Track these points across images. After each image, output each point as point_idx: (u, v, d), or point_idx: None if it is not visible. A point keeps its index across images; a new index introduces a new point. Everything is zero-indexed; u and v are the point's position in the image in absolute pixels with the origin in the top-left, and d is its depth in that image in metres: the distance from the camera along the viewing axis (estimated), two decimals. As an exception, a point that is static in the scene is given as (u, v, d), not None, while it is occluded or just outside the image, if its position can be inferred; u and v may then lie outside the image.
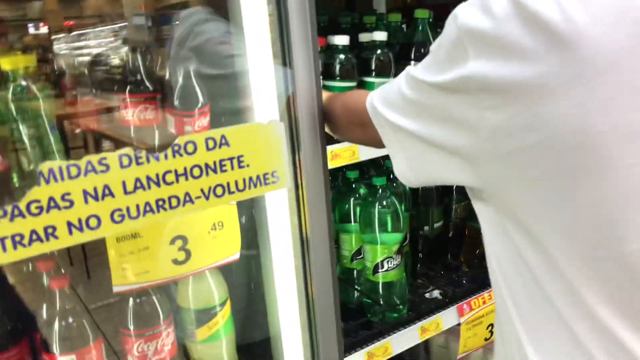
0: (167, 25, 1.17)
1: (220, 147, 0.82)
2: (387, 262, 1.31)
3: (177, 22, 1.10)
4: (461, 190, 1.47)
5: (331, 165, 1.13)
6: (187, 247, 0.97)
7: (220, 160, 0.83)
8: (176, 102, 0.96)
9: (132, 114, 0.96)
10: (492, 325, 1.42)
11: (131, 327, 1.00)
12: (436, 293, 1.44)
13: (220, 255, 1.01)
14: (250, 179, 0.86)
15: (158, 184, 0.79)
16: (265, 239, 1.03)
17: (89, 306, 1.21)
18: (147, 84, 0.96)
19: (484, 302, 1.40)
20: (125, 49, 1.02)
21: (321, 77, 1.18)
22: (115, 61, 1.16)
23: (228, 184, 0.84)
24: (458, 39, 0.58)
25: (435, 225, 1.48)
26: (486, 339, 1.42)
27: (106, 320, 1.19)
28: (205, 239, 0.98)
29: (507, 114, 0.54)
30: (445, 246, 1.56)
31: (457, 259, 1.57)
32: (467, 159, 0.63)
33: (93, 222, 0.75)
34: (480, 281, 1.48)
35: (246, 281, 1.27)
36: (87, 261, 1.77)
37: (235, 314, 1.14)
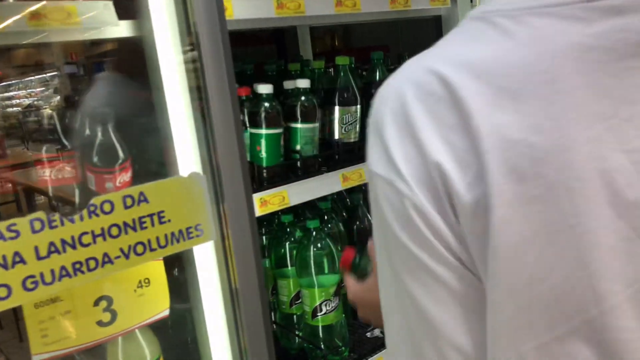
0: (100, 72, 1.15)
1: (139, 204, 0.81)
2: (326, 304, 1.30)
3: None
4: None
5: (261, 212, 1.13)
6: (113, 307, 0.94)
7: (140, 218, 0.81)
8: (95, 159, 0.94)
9: (49, 173, 0.94)
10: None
11: (56, 397, 0.95)
12: (377, 332, 1.44)
13: (148, 313, 0.98)
14: (173, 234, 0.84)
15: (74, 247, 0.76)
16: (196, 292, 1.01)
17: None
18: (64, 140, 0.94)
19: (424, 337, 1.41)
20: (54, 100, 1.00)
21: (248, 125, 1.20)
22: (40, 114, 1.13)
23: (149, 241, 0.83)
24: None
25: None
26: None
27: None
28: (132, 298, 0.95)
29: None
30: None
31: (396, 295, 1.58)
32: None
33: (3, 291, 0.71)
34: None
35: (183, 336, 1.23)
36: (19, 323, 1.67)
37: (171, 371, 1.10)
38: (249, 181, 0.95)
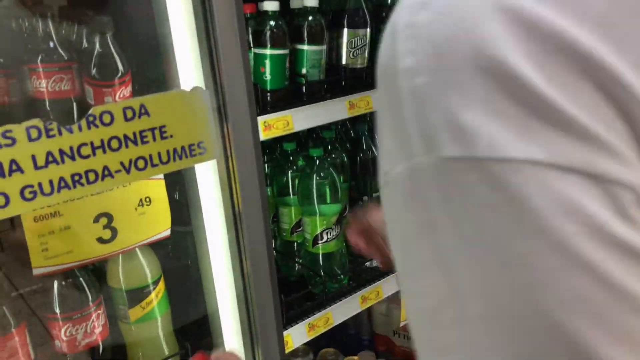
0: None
1: (139, 117, 0.78)
2: (327, 233, 1.30)
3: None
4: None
5: (264, 136, 1.10)
6: (113, 225, 0.92)
7: (141, 131, 0.78)
8: (94, 71, 0.90)
9: (45, 85, 0.90)
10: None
11: (57, 311, 0.95)
12: (376, 262, 1.45)
13: (149, 232, 0.97)
14: (175, 150, 0.82)
15: (73, 158, 0.74)
16: (198, 213, 1.00)
17: (24, 289, 1.14)
18: (61, 51, 0.89)
19: (423, 269, 1.42)
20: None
21: (252, 44, 1.14)
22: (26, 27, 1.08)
23: (150, 156, 0.80)
24: None
25: (374, 195, 1.48)
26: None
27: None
28: (132, 216, 0.94)
29: None
30: (385, 216, 1.56)
31: (397, 228, 1.58)
32: None
33: (0, 200, 0.69)
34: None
35: (183, 258, 1.23)
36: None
37: (172, 291, 1.10)
38: (254, 101, 0.91)
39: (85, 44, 0.94)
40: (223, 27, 0.83)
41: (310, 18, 1.17)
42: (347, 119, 1.47)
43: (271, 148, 1.42)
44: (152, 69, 0.97)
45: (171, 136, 0.81)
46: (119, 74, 0.92)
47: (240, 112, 0.88)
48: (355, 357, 1.69)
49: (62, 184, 0.73)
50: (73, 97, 0.93)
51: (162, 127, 0.80)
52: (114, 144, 0.76)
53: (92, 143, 0.75)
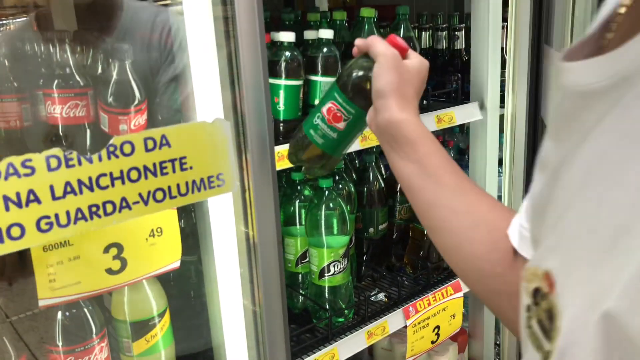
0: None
1: (160, 147, 0.76)
2: (334, 265, 1.28)
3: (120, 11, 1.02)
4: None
5: (278, 167, 1.09)
6: (123, 255, 0.90)
7: (161, 162, 0.77)
8: (110, 99, 0.88)
9: (60, 110, 0.88)
10: (438, 327, 1.42)
11: (59, 343, 0.92)
12: (381, 296, 1.42)
13: (158, 263, 0.94)
14: (194, 182, 0.80)
15: (91, 189, 0.72)
16: (208, 244, 0.98)
17: (12, 317, 1.10)
18: (77, 76, 0.88)
19: (429, 304, 1.40)
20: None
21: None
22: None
23: (169, 187, 0.78)
24: None
25: (380, 226, 1.47)
26: (433, 342, 1.42)
27: (30, 330, 1.09)
28: (143, 247, 0.91)
29: None
30: (390, 248, 1.55)
31: (401, 260, 1.57)
32: None
33: (15, 231, 0.67)
34: (424, 282, 1.48)
35: (186, 288, 1.20)
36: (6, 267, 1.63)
37: (175, 324, 1.07)
38: (273, 132, 0.90)
39: (101, 70, 0.93)
40: (246, 57, 0.82)
41: (325, 50, 1.17)
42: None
43: (279, 177, 1.40)
44: (168, 98, 0.96)
45: (191, 167, 0.79)
46: (136, 102, 0.90)
47: (260, 143, 0.87)
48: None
49: (79, 215, 0.71)
50: (87, 123, 0.91)
51: (182, 159, 0.78)
52: (134, 174, 0.74)
53: (111, 174, 0.73)
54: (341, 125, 0.80)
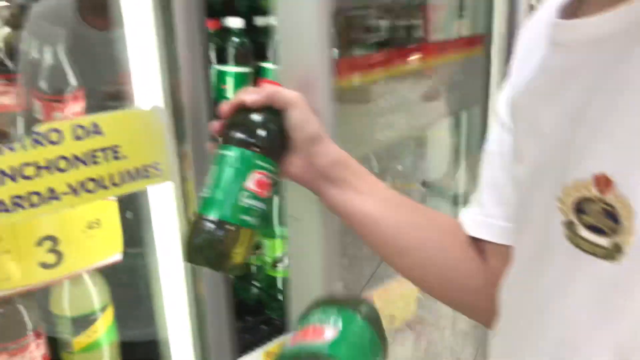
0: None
1: (91, 136, 0.73)
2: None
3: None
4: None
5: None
6: (58, 248, 0.86)
7: (92, 151, 0.73)
8: (42, 85, 0.84)
9: (-12, 97, 0.84)
10: (393, 316, 1.42)
11: (-9, 341, 0.88)
12: (339, 285, 1.42)
13: (98, 256, 0.91)
14: (129, 171, 0.77)
15: (14, 179, 0.68)
16: (150, 236, 0.95)
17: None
18: (7, 62, 0.84)
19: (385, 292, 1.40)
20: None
21: (215, 62, 1.11)
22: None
23: (102, 177, 0.75)
24: None
25: (336, 217, 1.46)
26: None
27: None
28: (80, 239, 0.88)
29: None
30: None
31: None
32: None
33: None
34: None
35: (133, 281, 1.17)
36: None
37: (121, 318, 1.04)
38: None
39: (34, 55, 0.88)
40: (184, 41, 0.79)
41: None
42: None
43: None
44: (107, 85, 0.92)
45: (125, 157, 0.76)
46: (70, 88, 0.86)
47: (200, 132, 0.84)
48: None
49: (1, 207, 0.67)
50: (20, 111, 0.87)
51: (116, 147, 0.75)
52: (62, 164, 0.71)
53: (36, 163, 0.69)
54: (270, 193, 0.69)
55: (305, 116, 0.71)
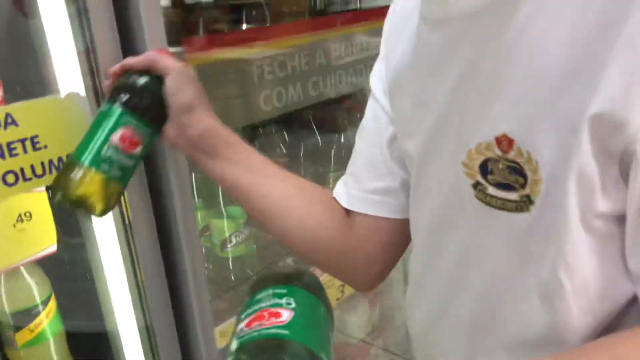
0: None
1: (5, 127, 0.70)
2: (235, 236, 1.26)
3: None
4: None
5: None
6: (-12, 244, 0.84)
7: (8, 143, 0.71)
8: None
9: None
10: (343, 285, 1.44)
11: None
12: (290, 260, 1.43)
13: (32, 249, 0.89)
14: (51, 162, 0.75)
15: None
16: (88, 224, 0.93)
17: None
18: None
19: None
20: None
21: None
22: None
23: (22, 169, 0.73)
24: None
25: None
26: (337, 299, 1.45)
27: None
28: (11, 233, 0.86)
29: None
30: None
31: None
32: None
33: None
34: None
35: (78, 272, 1.15)
36: None
37: (67, 309, 1.02)
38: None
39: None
40: (99, 23, 0.77)
41: (206, 14, 1.12)
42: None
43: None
44: (27, 72, 0.89)
45: (45, 147, 0.74)
46: (-14, 78, 0.83)
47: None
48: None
49: None
50: None
51: (34, 138, 0.73)
52: (-24, 158, 0.69)
53: (-52, 158, 0.67)
54: (137, 150, 0.72)
55: (180, 84, 0.71)
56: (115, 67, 0.75)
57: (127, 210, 0.85)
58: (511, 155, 0.48)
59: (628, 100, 0.41)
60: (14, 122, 0.71)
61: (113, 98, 0.71)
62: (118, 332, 0.99)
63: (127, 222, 0.87)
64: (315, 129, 1.57)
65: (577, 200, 0.45)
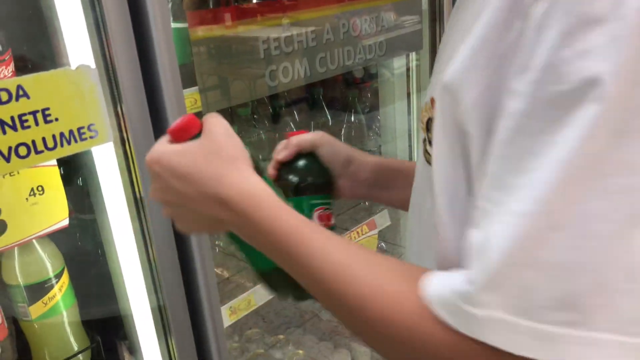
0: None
1: (17, 99, 0.71)
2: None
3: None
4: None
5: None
6: (1, 217, 0.85)
7: (20, 115, 0.71)
8: (-34, 49, 0.81)
9: None
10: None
11: (-56, 314, 0.87)
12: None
13: (44, 223, 0.90)
14: (62, 134, 0.75)
15: (-63, 147, 0.66)
16: (100, 200, 0.94)
17: None
18: None
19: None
20: None
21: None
22: None
23: (34, 142, 0.73)
24: None
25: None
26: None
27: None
28: (24, 207, 0.86)
29: None
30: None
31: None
32: None
33: None
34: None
35: (90, 247, 1.16)
36: None
37: (79, 283, 1.04)
38: (142, 80, 0.85)
39: (-44, 18, 0.84)
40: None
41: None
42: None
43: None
44: (39, 46, 0.89)
45: (56, 119, 0.74)
46: (-3, 52, 0.83)
47: (136, 89, 0.82)
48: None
49: None
50: (-55, 78, 0.83)
51: (45, 110, 0.73)
52: (-11, 130, 0.69)
53: (-40, 130, 0.67)
54: (332, 221, 0.78)
55: (332, 147, 0.78)
56: (272, 167, 0.77)
57: (138, 185, 0.86)
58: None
59: (462, 76, 0.42)
60: (25, 94, 0.71)
61: (290, 192, 0.75)
62: (130, 309, 1.00)
63: (138, 197, 0.87)
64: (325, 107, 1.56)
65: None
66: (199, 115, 0.66)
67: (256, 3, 1.14)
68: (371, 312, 0.45)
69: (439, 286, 0.43)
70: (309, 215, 0.74)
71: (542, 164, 0.36)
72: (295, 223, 0.51)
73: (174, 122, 0.56)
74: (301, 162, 0.76)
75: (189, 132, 0.56)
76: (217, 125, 0.56)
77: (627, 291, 0.36)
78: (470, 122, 0.42)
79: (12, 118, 0.70)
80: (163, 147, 0.57)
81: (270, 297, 1.27)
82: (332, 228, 0.77)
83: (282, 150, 0.76)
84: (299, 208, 0.72)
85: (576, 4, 0.35)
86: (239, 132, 1.22)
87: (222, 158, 0.53)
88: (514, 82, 0.39)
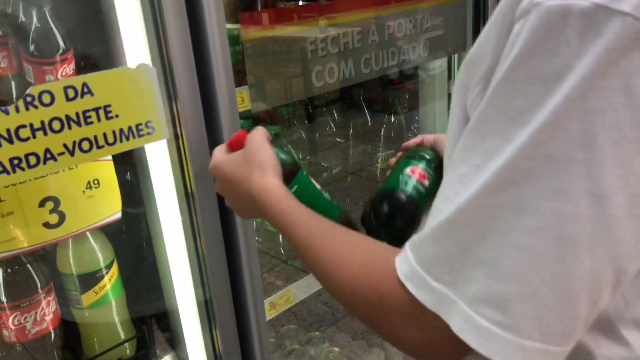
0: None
1: (82, 96, 0.74)
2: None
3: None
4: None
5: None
6: (60, 209, 0.89)
7: (84, 112, 0.75)
8: (32, 48, 0.85)
9: (-20, 63, 0.84)
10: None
11: (3, 299, 0.92)
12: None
13: (99, 215, 0.93)
14: (122, 130, 0.79)
15: (10, 141, 0.70)
16: (150, 195, 0.97)
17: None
18: (-5, 27, 0.84)
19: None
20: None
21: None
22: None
23: (95, 137, 0.77)
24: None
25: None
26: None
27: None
28: (80, 199, 0.90)
29: None
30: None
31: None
32: None
33: None
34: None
35: (137, 240, 1.20)
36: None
37: (127, 274, 1.07)
38: (196, 78, 0.88)
39: (22, 19, 0.88)
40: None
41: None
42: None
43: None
44: (97, 46, 0.93)
45: (117, 116, 0.77)
46: (60, 51, 0.87)
47: (191, 88, 0.85)
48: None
49: (0, 169, 0.69)
50: (11, 75, 0.88)
51: (107, 107, 0.76)
52: (56, 125, 0.73)
53: (31, 125, 0.71)
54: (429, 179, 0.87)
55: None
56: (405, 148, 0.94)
57: (190, 180, 0.89)
58: None
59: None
60: (89, 92, 0.74)
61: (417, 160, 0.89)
62: (176, 301, 1.03)
63: (189, 191, 0.90)
64: (365, 108, 1.58)
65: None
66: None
67: (302, 5, 1.16)
68: (348, 270, 0.53)
69: (406, 254, 0.49)
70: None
71: (486, 166, 0.41)
72: (294, 208, 0.63)
73: (230, 136, 0.76)
74: (428, 154, 0.91)
75: (240, 144, 0.74)
76: (254, 139, 0.73)
77: (555, 309, 0.39)
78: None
79: (77, 114, 0.74)
80: (220, 156, 0.75)
81: (309, 294, 1.29)
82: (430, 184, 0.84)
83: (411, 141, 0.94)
84: (404, 164, 0.87)
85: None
86: (282, 131, 1.25)
87: (252, 164, 0.69)
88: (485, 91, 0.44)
